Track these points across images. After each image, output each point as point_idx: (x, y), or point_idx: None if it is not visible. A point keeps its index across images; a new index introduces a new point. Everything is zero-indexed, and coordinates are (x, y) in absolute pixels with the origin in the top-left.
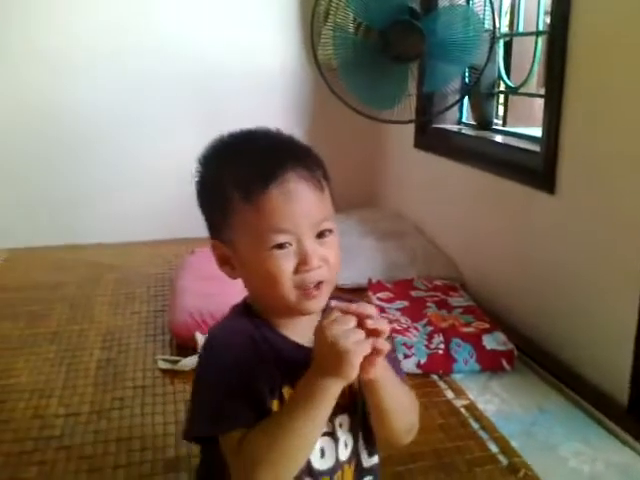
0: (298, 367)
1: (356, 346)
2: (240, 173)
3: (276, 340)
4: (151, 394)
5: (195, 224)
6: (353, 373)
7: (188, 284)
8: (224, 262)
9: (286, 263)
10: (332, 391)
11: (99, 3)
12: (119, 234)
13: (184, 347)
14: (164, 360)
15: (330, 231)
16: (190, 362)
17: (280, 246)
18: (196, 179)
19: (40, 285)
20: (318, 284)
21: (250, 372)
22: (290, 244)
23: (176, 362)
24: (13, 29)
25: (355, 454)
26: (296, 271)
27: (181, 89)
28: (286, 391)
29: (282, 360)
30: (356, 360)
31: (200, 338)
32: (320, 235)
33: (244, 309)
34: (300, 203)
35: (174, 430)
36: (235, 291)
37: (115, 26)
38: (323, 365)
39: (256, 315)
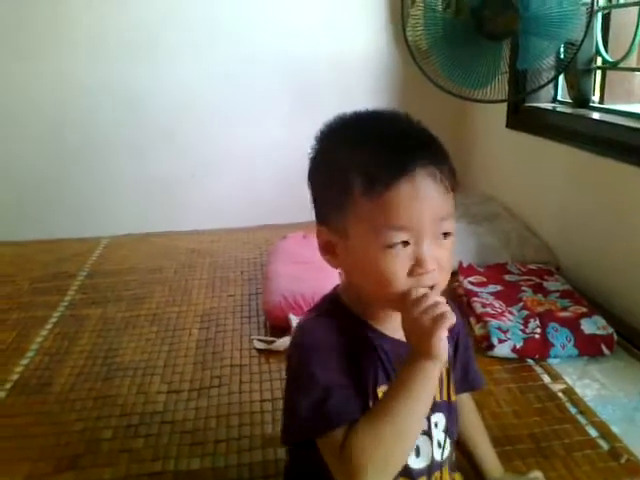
0: (398, 364)
1: (438, 319)
2: (365, 161)
3: (375, 337)
4: (248, 373)
5: (284, 211)
6: (441, 348)
7: (281, 268)
8: (327, 250)
9: (400, 265)
10: (428, 373)
11: None
12: (212, 221)
13: (278, 328)
14: (260, 340)
15: (448, 233)
16: (284, 343)
17: (396, 245)
18: (312, 156)
19: (139, 270)
20: (430, 288)
21: (348, 369)
22: (408, 244)
23: (271, 342)
24: (103, 15)
25: (450, 455)
26: (410, 273)
27: (270, 74)
28: (380, 391)
29: (381, 358)
30: (441, 333)
31: (294, 320)
32: (438, 237)
33: (336, 303)
34: (425, 202)
35: (270, 408)
36: (326, 275)
37: (205, 13)
38: (414, 346)
39: (349, 310)
